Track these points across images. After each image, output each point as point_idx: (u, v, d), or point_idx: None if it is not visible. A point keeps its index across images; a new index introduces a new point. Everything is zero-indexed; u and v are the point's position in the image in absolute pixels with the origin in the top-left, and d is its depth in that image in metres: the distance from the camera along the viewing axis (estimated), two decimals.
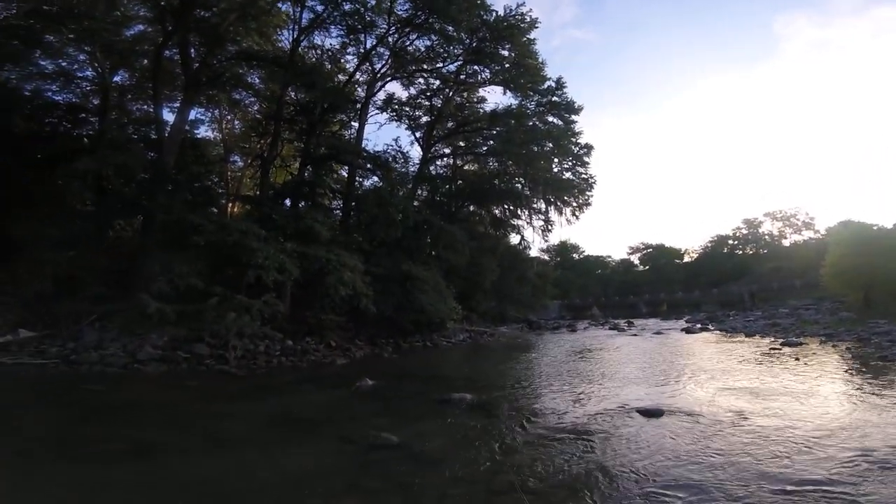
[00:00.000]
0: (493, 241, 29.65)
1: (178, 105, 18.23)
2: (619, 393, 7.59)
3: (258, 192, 22.07)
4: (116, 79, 19.11)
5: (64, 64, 17.21)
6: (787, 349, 12.25)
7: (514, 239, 32.68)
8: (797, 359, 10.32)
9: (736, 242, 62.47)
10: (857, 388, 7.03)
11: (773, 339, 14.86)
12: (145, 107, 20.04)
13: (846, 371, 8.61)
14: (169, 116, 18.12)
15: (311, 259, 14.27)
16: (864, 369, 8.68)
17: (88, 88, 18.47)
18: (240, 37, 18.80)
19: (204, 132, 24.14)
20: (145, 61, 18.63)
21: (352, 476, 4.11)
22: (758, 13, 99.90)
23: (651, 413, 5.99)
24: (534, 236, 32.80)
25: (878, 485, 3.43)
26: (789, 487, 3.47)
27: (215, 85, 19.61)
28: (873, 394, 6.58)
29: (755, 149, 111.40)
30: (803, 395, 6.68)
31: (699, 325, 24.15)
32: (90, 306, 12.02)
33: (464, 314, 22.45)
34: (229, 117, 26.28)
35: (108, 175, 14.62)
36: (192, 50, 17.62)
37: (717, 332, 20.90)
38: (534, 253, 35.74)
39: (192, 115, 19.70)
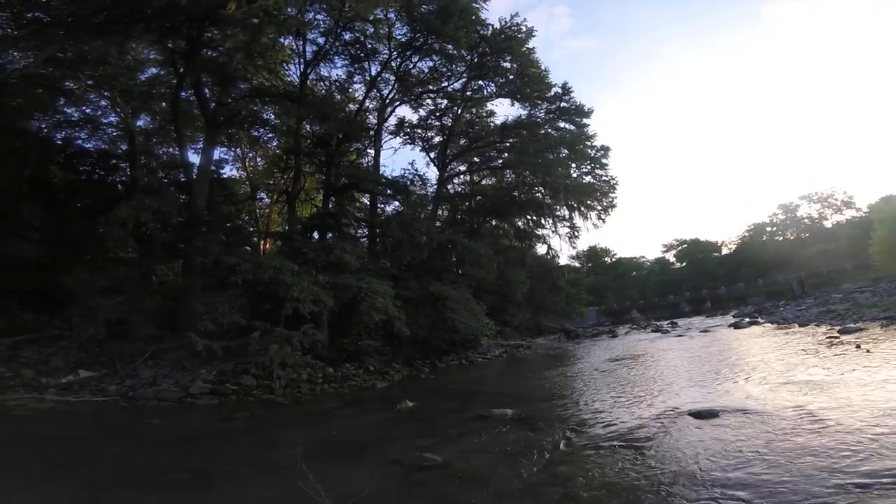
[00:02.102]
0: (519, 253, 29.41)
1: (201, 146, 18.87)
2: (668, 396, 7.28)
3: (286, 227, 22.83)
4: (140, 123, 19.87)
5: (88, 111, 18.13)
6: (845, 336, 11.47)
7: (541, 249, 32.34)
8: (858, 346, 9.61)
9: (774, 229, 59.69)
10: None
11: (829, 328, 13.93)
12: (171, 150, 20.85)
13: None
14: (194, 158, 18.68)
15: (344, 288, 14.64)
16: None
17: (115, 134, 19.30)
18: (250, 74, 19.40)
19: (229, 171, 24.82)
20: (164, 104, 19.33)
21: (399, 497, 4.11)
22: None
23: (704, 415, 5.70)
24: (561, 244, 32.40)
25: None
26: (863, 481, 3.22)
27: (234, 123, 20.31)
28: None
29: (778, 132, 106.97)
30: (868, 385, 6.21)
31: (747, 319, 22.99)
32: (143, 346, 12.73)
33: (497, 329, 22.20)
34: (251, 155, 27.13)
35: (146, 221, 15.46)
36: (207, 90, 18.20)
37: (768, 324, 19.79)
38: (563, 261, 35.14)
39: (216, 154, 20.23)
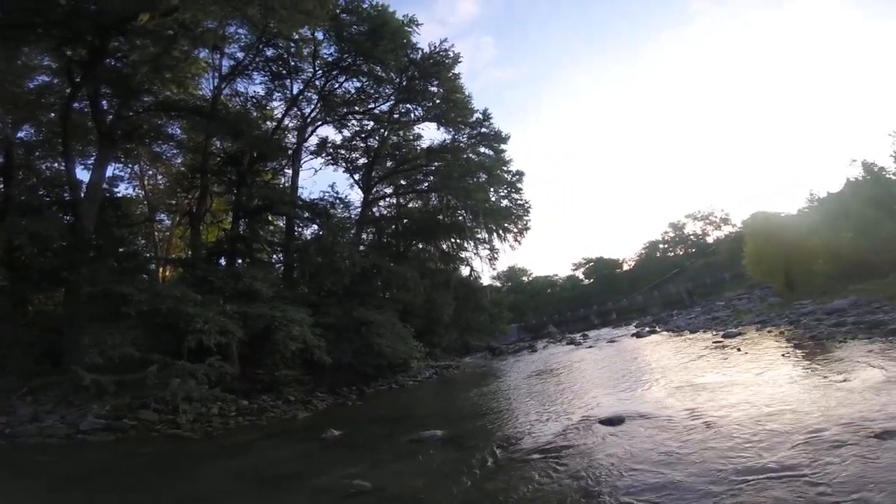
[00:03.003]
0: (445, 276, 29.84)
1: (92, 162, 16.73)
2: (581, 406, 7.80)
3: (189, 253, 20.84)
4: (21, 135, 17.17)
5: None
6: (728, 341, 13.06)
7: (465, 271, 33.20)
8: (739, 349, 11.07)
9: (666, 246, 67.35)
10: (797, 370, 7.60)
11: (714, 333, 15.86)
12: (56, 165, 18.10)
13: (784, 355, 9.23)
14: (84, 175, 16.69)
15: (255, 318, 13.77)
16: (799, 351, 9.39)
17: None
18: (156, 87, 17.77)
19: (124, 190, 22.08)
20: (52, 115, 16.92)
21: None
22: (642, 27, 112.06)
23: (612, 422, 6.20)
24: (482, 266, 33.54)
25: (831, 463, 3.68)
26: (749, 477, 3.67)
27: (133, 138, 18.29)
28: (812, 374, 7.14)
29: (668, 157, 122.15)
30: (750, 385, 7.15)
31: (647, 329, 25.30)
32: (18, 382, 10.86)
33: (426, 350, 22.15)
34: (151, 172, 24.51)
35: (21, 245, 13.25)
36: (105, 102, 16.47)
37: (665, 332, 21.96)
38: (485, 281, 36.46)
39: (110, 171, 18.10)
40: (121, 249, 16.39)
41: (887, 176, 19.93)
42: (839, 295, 14.47)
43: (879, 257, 15.34)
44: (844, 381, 6.19)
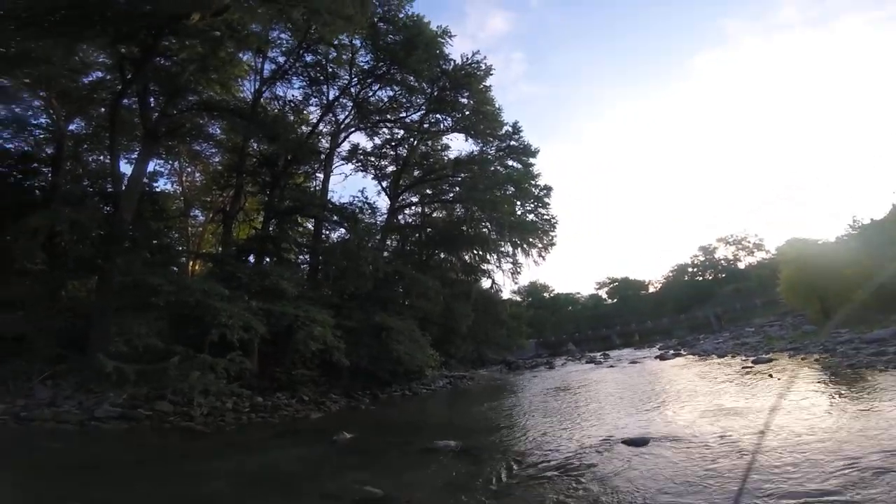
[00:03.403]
0: (465, 287, 29.68)
1: (135, 156, 17.53)
2: (603, 425, 7.49)
3: (220, 249, 21.45)
4: (72, 127, 18.18)
5: (18, 109, 16.25)
6: (758, 366, 12.55)
7: (486, 283, 32.93)
8: (770, 375, 10.57)
9: (695, 269, 65.30)
10: (834, 398, 7.19)
11: (744, 358, 15.21)
12: (101, 158, 19.04)
13: (819, 382, 8.82)
14: (126, 168, 17.32)
15: (279, 316, 13.92)
16: (836, 378, 8.92)
17: (42, 136, 17.35)
18: (200, 87, 18.48)
19: (163, 185, 22.99)
20: (102, 110, 17.79)
21: None
22: (676, 55, 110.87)
23: (636, 443, 5.91)
24: (504, 279, 33.22)
25: (870, 491, 3.47)
26: (784, 502, 3.43)
27: (175, 136, 19.08)
28: (850, 401, 6.77)
29: (701, 179, 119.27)
30: (782, 410, 6.77)
31: (672, 352, 24.52)
32: (42, 366, 11.22)
33: (442, 360, 21.99)
34: (189, 169, 25.43)
35: (61, 231, 13.87)
36: (152, 99, 17.17)
37: (690, 356, 21.22)
38: (506, 295, 36.08)
39: (151, 167, 18.74)
40: (154, 242, 16.92)
41: None
42: (879, 325, 13.86)
43: None
44: (885, 409, 5.83)
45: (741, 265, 61.67)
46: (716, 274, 62.97)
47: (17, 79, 15.25)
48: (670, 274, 67.16)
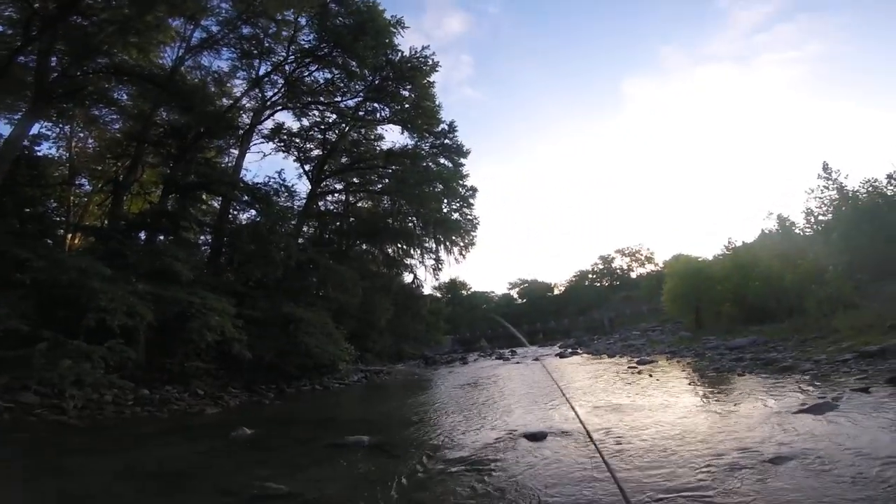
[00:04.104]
0: (386, 280, 29.52)
1: (18, 116, 15.46)
2: (508, 420, 7.98)
3: (107, 222, 18.95)
4: None
5: None
6: (641, 367, 14.01)
7: (408, 278, 33.05)
8: (650, 375, 11.95)
9: (594, 276, 71.81)
10: (702, 398, 8.25)
11: (630, 359, 17.00)
12: None
13: (690, 383, 10.06)
14: (5, 130, 15.52)
15: (170, 302, 12.66)
16: (704, 380, 10.22)
17: None
18: (116, 49, 16.50)
19: (47, 150, 20.16)
20: None
21: None
22: (610, 78, 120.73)
23: (536, 437, 6.38)
24: (426, 275, 33.63)
25: (732, 484, 3.97)
26: (660, 496, 3.90)
27: (73, 98, 16.89)
28: (715, 401, 7.78)
29: (608, 192, 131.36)
30: (661, 407, 7.68)
31: (570, 350, 26.69)
32: None
33: (358, 354, 21.63)
34: (82, 135, 22.41)
35: None
36: (54, 58, 15.16)
37: (586, 354, 23.26)
38: (426, 291, 36.46)
39: (36, 129, 16.62)
40: (27, 210, 14.56)
41: (796, 231, 22.68)
42: (740, 334, 15.88)
43: (779, 305, 17.28)
44: (742, 410, 6.82)
45: (633, 275, 69.06)
46: (611, 281, 69.80)
47: None
48: (573, 278, 73.23)
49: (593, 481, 4.43)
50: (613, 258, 71.94)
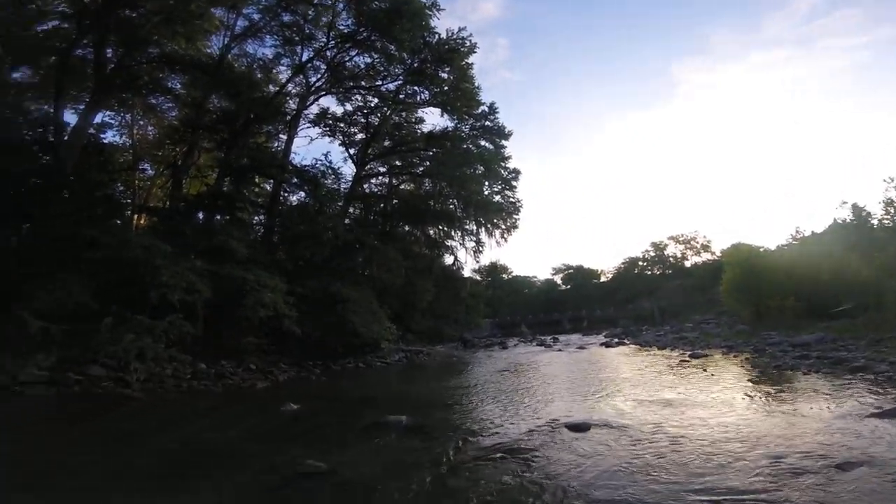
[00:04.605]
0: (428, 262, 29.71)
1: (84, 108, 16.65)
2: (549, 408, 7.74)
3: (167, 204, 20.25)
4: (16, 76, 17.18)
5: None
6: (694, 361, 13.26)
7: (448, 259, 33.11)
8: (705, 369, 11.21)
9: (645, 264, 68.63)
10: (762, 396, 7.63)
11: (682, 352, 16.10)
12: (46, 107, 17.81)
13: (749, 380, 9.33)
14: (73, 119, 16.58)
15: (226, 278, 13.29)
16: (764, 378, 9.47)
17: None
18: (165, 39, 17.51)
19: (112, 137, 22.04)
20: (53, 59, 16.74)
21: None
22: (658, 60, 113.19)
23: (579, 428, 6.12)
24: (466, 257, 33.53)
25: (793, 490, 3.65)
26: (715, 498, 3.62)
27: (130, 88, 18.19)
28: (776, 401, 7.19)
29: (659, 178, 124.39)
30: (715, 405, 7.17)
31: (616, 340, 25.79)
32: None
33: (399, 334, 22.03)
34: (142, 122, 24.09)
35: None
36: (109, 50, 16.34)
37: (633, 345, 22.37)
38: (466, 273, 36.46)
39: (99, 118, 18.02)
40: (97, 194, 15.77)
41: (872, 222, 20.52)
42: (806, 330, 14.79)
43: (852, 301, 15.77)
44: (807, 410, 6.27)
45: (687, 263, 65.38)
46: (663, 269, 66.46)
47: None
48: (622, 265, 70.36)
49: (642, 478, 4.16)
50: (666, 245, 68.32)
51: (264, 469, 4.70)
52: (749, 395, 7.83)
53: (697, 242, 66.19)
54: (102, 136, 18.38)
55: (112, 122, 21.70)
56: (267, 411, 8.30)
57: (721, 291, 24.18)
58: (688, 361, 13.32)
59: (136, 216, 21.08)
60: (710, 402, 7.41)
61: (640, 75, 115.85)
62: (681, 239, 67.13)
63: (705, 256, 63.64)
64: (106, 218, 15.33)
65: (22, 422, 6.69)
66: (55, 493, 4.13)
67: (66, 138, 15.03)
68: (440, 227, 31.10)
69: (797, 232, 25.08)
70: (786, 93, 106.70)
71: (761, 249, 25.00)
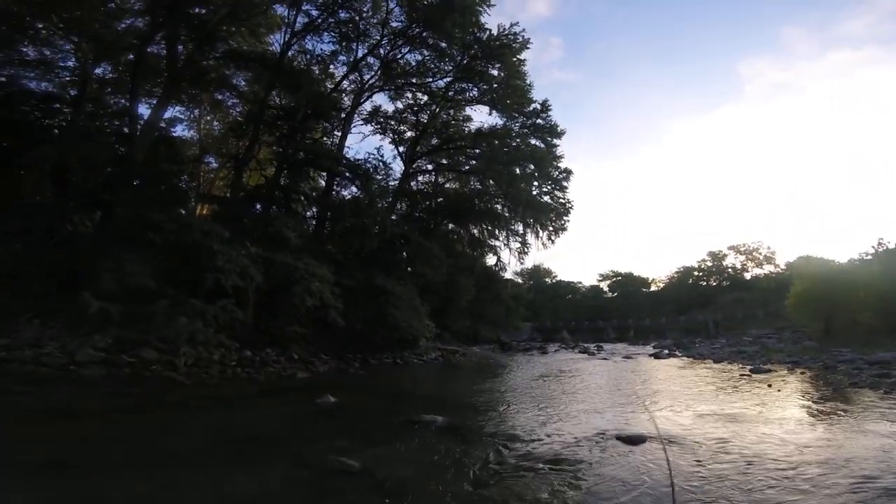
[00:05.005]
0: (470, 261, 29.42)
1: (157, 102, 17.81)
2: (596, 418, 7.24)
3: (229, 193, 21.29)
4: (98, 71, 18.54)
5: (47, 52, 16.70)
6: (756, 376, 12.30)
7: (491, 260, 32.61)
8: (769, 385, 10.27)
9: (701, 274, 64.55)
10: (837, 415, 6.88)
11: (741, 366, 14.95)
12: (123, 101, 19.38)
13: (823, 398, 8.51)
14: (147, 113, 17.66)
15: (278, 266, 13.59)
16: (839, 396, 8.62)
17: (67, 79, 17.76)
18: (230, 36, 18.56)
19: (181, 131, 23.76)
20: (131, 57, 18.01)
21: None
22: (723, 56, 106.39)
23: (632, 440, 5.64)
24: (510, 258, 32.86)
25: None
26: None
27: (199, 83, 19.24)
28: (857, 420, 6.46)
29: (719, 185, 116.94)
30: (788, 422, 6.49)
31: (666, 351, 24.40)
32: (32, 303, 10.87)
33: (437, 332, 21.92)
34: (209, 118, 25.71)
35: (72, 167, 13.76)
36: (181, 46, 17.26)
37: (685, 357, 21.04)
38: (508, 275, 35.75)
39: (170, 113, 19.49)
40: (164, 186, 16.81)
41: None
42: (883, 348, 13.77)
43: None
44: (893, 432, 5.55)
45: (747, 275, 60.93)
46: (720, 281, 62.30)
47: (52, 23, 15.66)
48: (675, 275, 66.55)
49: (705, 497, 3.68)
50: (725, 255, 63.82)
51: (297, 463, 4.61)
52: (825, 414, 7.02)
53: (760, 254, 61.55)
54: (173, 129, 20.10)
55: (182, 117, 23.60)
56: (304, 402, 8.31)
57: (787, 305, 22.32)
58: (749, 376, 12.34)
59: (199, 206, 22.40)
60: (781, 420, 6.69)
61: (704, 74, 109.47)
62: (742, 249, 62.65)
63: (768, 269, 59.14)
64: (172, 205, 16.27)
65: (68, 404, 6.95)
66: (66, 475, 4.13)
67: (139, 131, 16.06)
68: (484, 226, 30.69)
69: (880, 244, 22.57)
70: (865, 94, 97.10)
71: (834, 262, 22.95)
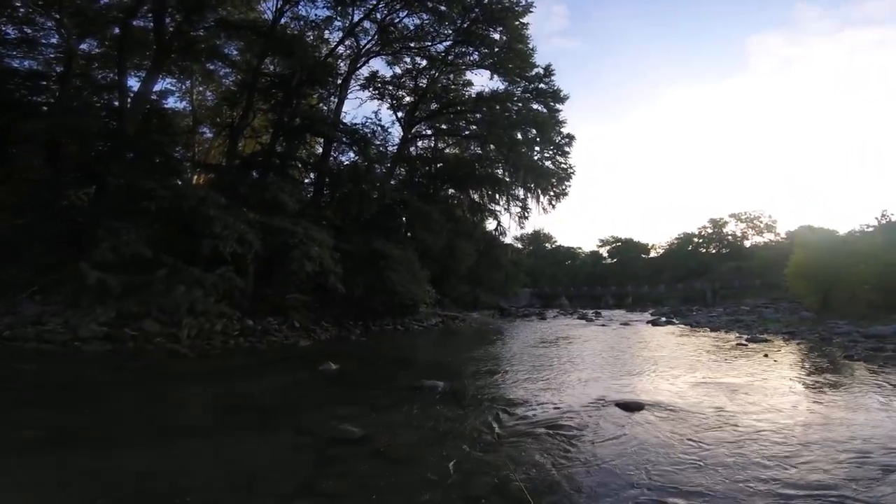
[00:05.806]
0: (469, 226, 29.23)
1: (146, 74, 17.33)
2: (595, 384, 7.34)
3: (224, 161, 20.92)
4: (83, 46, 17.99)
5: (28, 31, 16.28)
6: (753, 345, 12.45)
7: (490, 225, 32.42)
8: (766, 355, 10.41)
9: (701, 241, 64.47)
10: (833, 387, 6.97)
11: (738, 335, 15.12)
12: (111, 75, 18.88)
13: (817, 369, 8.61)
14: (136, 86, 17.25)
15: (276, 231, 13.43)
16: (833, 367, 8.71)
17: (52, 56, 17.27)
18: (220, 5, 17.77)
19: (173, 103, 23.33)
20: (117, 31, 17.40)
21: (306, 475, 3.60)
22: (731, 32, 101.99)
23: (631, 407, 5.73)
24: (510, 223, 32.65)
25: (881, 487, 3.24)
26: (791, 492, 3.22)
27: (189, 54, 18.70)
28: (850, 393, 6.53)
29: (722, 154, 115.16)
30: (781, 392, 6.58)
31: (664, 319, 24.68)
32: (34, 276, 10.80)
33: (437, 298, 22.06)
34: (201, 88, 25.15)
35: (63, 141, 13.58)
36: (169, 18, 16.65)
37: (682, 325, 21.31)
38: (508, 240, 35.62)
39: (162, 85, 19.12)
40: (158, 158, 16.48)
41: None
42: (881, 321, 13.77)
43: None
44: (891, 405, 5.65)
45: (747, 244, 60.89)
46: (720, 248, 62.31)
47: (31, 1, 15.25)
48: (674, 241, 66.38)
49: (701, 465, 3.75)
50: (726, 223, 63.47)
51: (300, 431, 4.67)
52: (821, 385, 7.13)
53: (761, 222, 61.23)
54: (164, 102, 19.56)
55: (173, 88, 23.13)
56: (307, 370, 8.40)
57: (786, 274, 22.28)
58: (745, 345, 12.49)
59: (196, 176, 22.06)
60: (777, 389, 6.78)
61: (710, 46, 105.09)
62: (743, 217, 62.28)
63: (768, 237, 58.99)
64: (167, 176, 15.98)
65: (71, 379, 6.97)
66: (68, 448, 4.18)
67: (129, 104, 15.76)
68: (484, 191, 30.32)
69: (883, 216, 22.33)
70: (878, 73, 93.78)
71: (837, 233, 22.82)
